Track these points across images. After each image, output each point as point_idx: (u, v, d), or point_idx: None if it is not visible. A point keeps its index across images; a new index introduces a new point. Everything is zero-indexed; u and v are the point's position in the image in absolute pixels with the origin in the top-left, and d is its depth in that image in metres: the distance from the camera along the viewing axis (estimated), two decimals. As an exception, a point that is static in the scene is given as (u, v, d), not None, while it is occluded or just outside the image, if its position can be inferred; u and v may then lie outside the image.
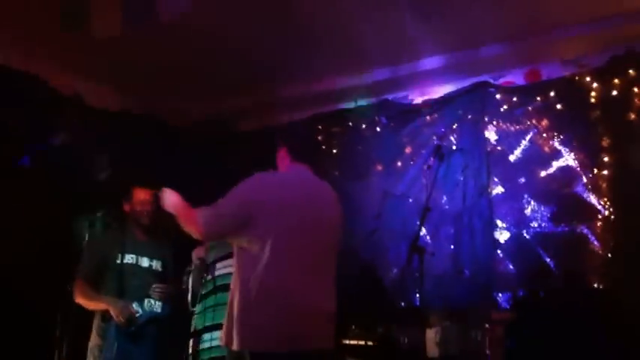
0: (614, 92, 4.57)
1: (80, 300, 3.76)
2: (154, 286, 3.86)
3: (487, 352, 3.77)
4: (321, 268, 2.81)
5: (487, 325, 3.89)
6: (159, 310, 3.87)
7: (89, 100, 5.33)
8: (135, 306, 3.75)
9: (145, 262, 3.98)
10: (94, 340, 3.79)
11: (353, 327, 4.41)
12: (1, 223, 4.43)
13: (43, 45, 4.74)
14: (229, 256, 3.72)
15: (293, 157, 3.00)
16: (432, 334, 4.03)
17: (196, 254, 3.80)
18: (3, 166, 4.63)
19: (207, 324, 3.58)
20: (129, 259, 3.91)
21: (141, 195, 4.01)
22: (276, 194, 2.75)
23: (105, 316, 3.76)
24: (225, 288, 3.57)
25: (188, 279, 3.74)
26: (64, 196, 4.70)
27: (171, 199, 2.97)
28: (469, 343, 3.88)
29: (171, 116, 5.81)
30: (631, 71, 4.53)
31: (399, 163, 5.28)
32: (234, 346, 2.60)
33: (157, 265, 4.03)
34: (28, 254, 4.45)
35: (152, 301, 3.85)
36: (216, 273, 3.69)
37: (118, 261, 3.86)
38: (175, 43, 4.77)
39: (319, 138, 5.56)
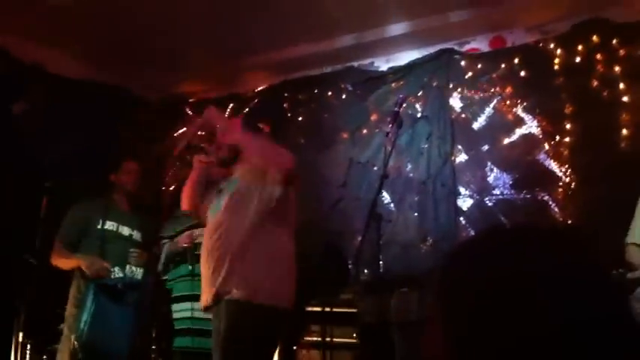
0: (578, 59, 4.55)
1: (56, 261, 3.83)
2: (130, 250, 3.93)
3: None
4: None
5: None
6: (139, 277, 3.93)
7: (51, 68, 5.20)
8: (116, 270, 3.81)
9: (125, 230, 4.04)
10: (69, 310, 3.82)
11: (316, 295, 4.43)
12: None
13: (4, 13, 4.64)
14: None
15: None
16: (391, 301, 4.05)
17: (182, 241, 3.85)
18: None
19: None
20: (110, 225, 3.97)
21: (129, 166, 4.17)
22: None
23: (82, 282, 3.78)
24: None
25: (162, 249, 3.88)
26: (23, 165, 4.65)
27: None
28: (424, 309, 3.91)
29: (135, 86, 5.72)
30: (594, 38, 4.49)
31: (365, 131, 5.23)
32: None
33: (137, 235, 4.09)
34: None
35: (133, 268, 3.93)
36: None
37: (99, 226, 3.93)
38: (137, 12, 4.68)
39: (285, 105, 5.51)
